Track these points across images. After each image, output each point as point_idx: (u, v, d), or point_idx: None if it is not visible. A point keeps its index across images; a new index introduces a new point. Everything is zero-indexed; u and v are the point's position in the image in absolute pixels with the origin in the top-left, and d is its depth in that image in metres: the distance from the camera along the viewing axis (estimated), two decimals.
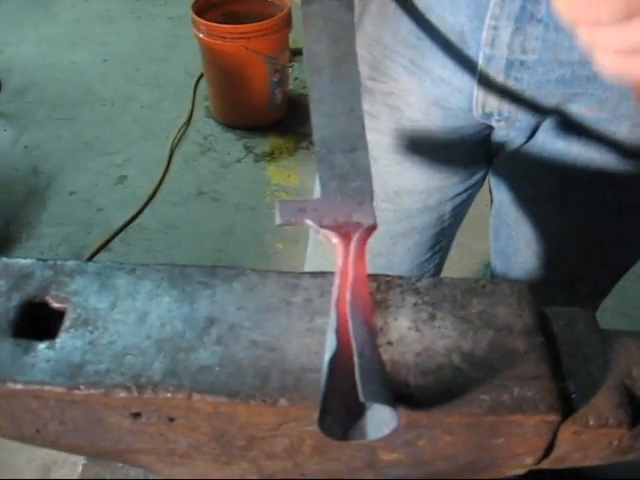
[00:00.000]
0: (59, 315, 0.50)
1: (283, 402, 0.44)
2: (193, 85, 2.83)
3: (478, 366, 0.47)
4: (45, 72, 2.92)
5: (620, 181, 0.79)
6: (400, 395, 0.45)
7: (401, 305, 0.51)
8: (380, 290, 0.52)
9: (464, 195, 0.93)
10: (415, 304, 0.51)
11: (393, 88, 0.80)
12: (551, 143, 0.78)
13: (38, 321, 0.50)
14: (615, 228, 0.85)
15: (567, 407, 0.47)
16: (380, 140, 0.83)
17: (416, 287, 0.53)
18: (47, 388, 0.45)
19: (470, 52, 0.71)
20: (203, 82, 2.76)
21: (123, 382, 0.45)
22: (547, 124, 0.77)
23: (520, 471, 0.51)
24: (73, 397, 0.45)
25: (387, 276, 0.53)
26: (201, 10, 2.42)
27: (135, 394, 0.45)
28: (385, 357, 0.47)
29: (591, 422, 0.48)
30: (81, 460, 0.73)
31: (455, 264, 2.31)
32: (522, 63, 0.69)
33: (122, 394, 0.45)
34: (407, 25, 0.75)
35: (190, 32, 2.45)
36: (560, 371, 0.49)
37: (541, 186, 0.86)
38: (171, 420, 0.47)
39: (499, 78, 0.71)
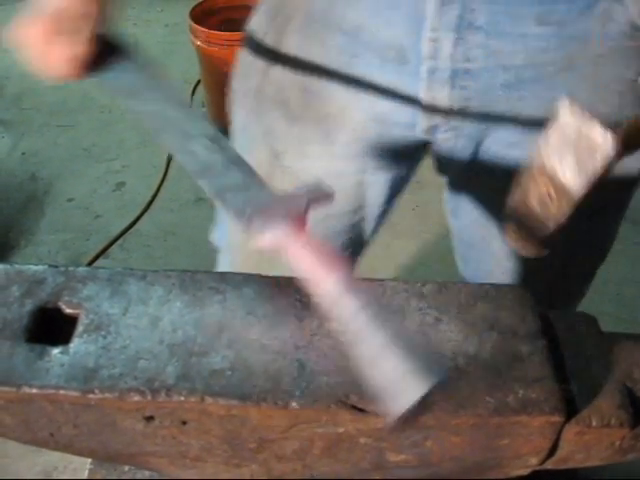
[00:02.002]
0: (72, 320, 0.51)
1: (294, 405, 0.45)
2: (190, 92, 2.83)
3: (483, 369, 0.48)
4: (42, 79, 2.92)
5: None
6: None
7: (407, 310, 0.52)
8: (386, 295, 0.53)
9: (387, 207, 0.91)
10: (420, 309, 0.53)
11: (327, 110, 0.77)
12: (505, 152, 0.77)
13: (51, 326, 0.51)
14: (586, 233, 0.85)
15: (570, 408, 0.48)
16: (311, 165, 0.81)
17: (421, 292, 0.54)
18: (62, 392, 0.46)
19: (411, 66, 0.69)
20: (200, 89, 2.76)
21: (137, 386, 0.46)
22: (499, 133, 0.76)
23: (524, 471, 0.53)
24: (87, 401, 0.46)
25: (393, 281, 0.54)
26: (199, 17, 2.42)
27: (149, 398, 0.46)
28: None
29: (594, 423, 0.49)
30: (83, 466, 0.73)
31: (453, 270, 2.32)
32: (467, 72, 0.68)
33: (136, 398, 0.46)
34: (338, 44, 0.72)
35: (187, 39, 2.46)
36: (563, 373, 0.50)
37: (503, 198, 0.84)
38: (184, 423, 0.48)
39: (444, 89, 0.70)
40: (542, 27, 0.64)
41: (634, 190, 0.86)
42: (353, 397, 0.46)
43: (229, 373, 0.47)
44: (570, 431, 0.49)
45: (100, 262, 2.08)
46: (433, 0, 0.63)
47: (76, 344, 0.49)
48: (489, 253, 0.91)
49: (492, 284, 0.55)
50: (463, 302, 0.53)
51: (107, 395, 0.46)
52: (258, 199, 0.53)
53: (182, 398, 0.46)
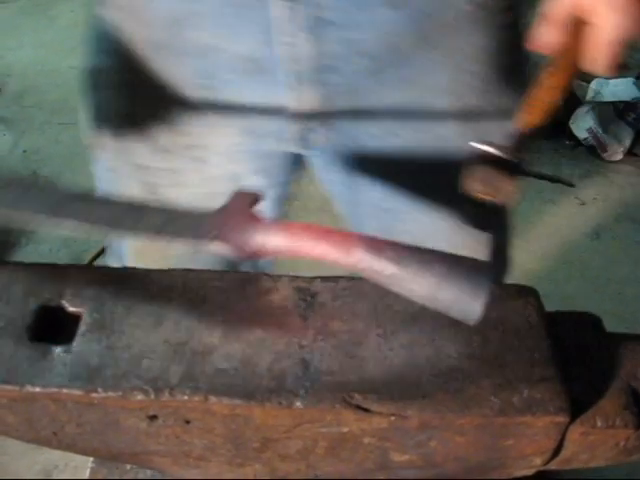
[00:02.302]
0: (75, 319, 0.51)
1: (298, 404, 0.45)
2: None
3: (488, 368, 0.48)
4: (44, 77, 2.92)
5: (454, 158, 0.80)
6: (413, 398, 0.46)
7: (412, 309, 0.52)
8: (389, 293, 0.53)
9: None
10: (425, 308, 0.52)
11: (194, 136, 0.76)
12: (382, 143, 0.76)
13: (54, 325, 0.50)
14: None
15: (575, 409, 0.48)
16: (189, 192, 0.80)
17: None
18: (65, 391, 0.46)
19: (271, 75, 0.68)
20: None
21: (140, 385, 0.46)
22: (372, 125, 0.75)
23: (528, 472, 0.52)
24: (91, 400, 0.46)
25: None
26: None
27: (152, 397, 0.46)
28: (398, 360, 0.48)
29: (599, 423, 0.49)
30: (84, 464, 0.73)
31: None
32: (328, 68, 0.67)
33: (139, 397, 0.46)
34: (190, 68, 0.70)
35: None
36: (568, 373, 0.50)
37: (397, 188, 0.83)
38: (187, 422, 0.47)
39: (310, 90, 0.69)
40: (391, 9, 0.64)
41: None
42: (357, 397, 0.46)
43: (233, 372, 0.47)
44: (575, 431, 0.49)
45: (102, 260, 2.08)
46: (279, 5, 0.61)
47: (79, 343, 0.49)
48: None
49: (497, 283, 0.55)
50: None
51: (110, 394, 0.46)
52: (202, 219, 0.51)
53: (186, 397, 0.46)
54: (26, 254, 2.12)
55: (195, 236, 0.49)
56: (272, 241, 0.48)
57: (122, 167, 0.80)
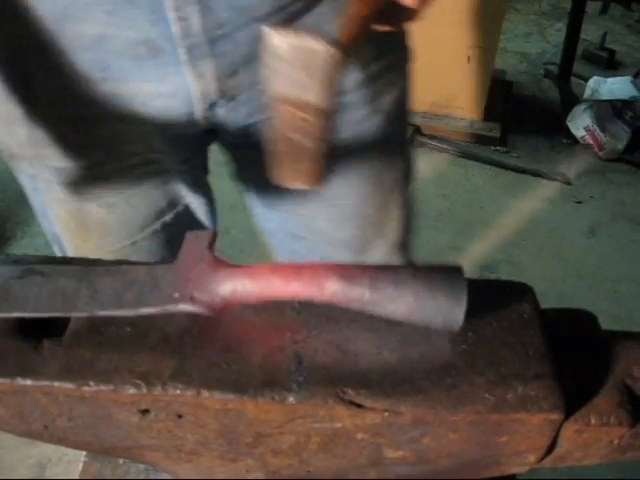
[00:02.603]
0: None
1: (291, 399, 0.45)
2: None
3: (482, 365, 0.48)
4: None
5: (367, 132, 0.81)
6: (407, 394, 0.46)
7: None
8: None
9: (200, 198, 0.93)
10: None
11: (103, 133, 0.75)
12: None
13: (46, 318, 0.50)
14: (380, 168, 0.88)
15: (569, 406, 0.48)
16: (105, 188, 0.81)
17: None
18: (57, 384, 0.46)
19: (168, 55, 0.67)
20: None
21: (132, 379, 0.46)
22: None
23: (522, 469, 0.52)
24: (82, 393, 0.46)
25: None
26: None
27: (144, 391, 0.45)
28: (392, 356, 0.48)
29: (593, 421, 0.48)
30: (77, 458, 0.73)
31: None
32: (223, 38, 0.67)
33: (131, 391, 0.45)
34: (84, 62, 0.68)
35: None
36: (562, 370, 0.50)
37: None
38: (179, 417, 0.47)
39: (208, 63, 0.68)
40: None
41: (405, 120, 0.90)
42: (351, 392, 0.46)
43: (225, 366, 0.47)
44: (569, 429, 0.48)
45: None
46: None
47: (71, 336, 0.48)
48: (316, 231, 0.92)
49: (493, 280, 0.55)
50: None
51: (102, 388, 0.45)
52: (162, 277, 0.49)
53: (178, 391, 0.45)
54: (22, 247, 2.12)
55: (159, 302, 0.47)
56: (240, 289, 0.47)
57: (41, 173, 0.80)
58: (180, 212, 0.90)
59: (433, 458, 0.50)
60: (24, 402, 0.48)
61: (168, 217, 0.89)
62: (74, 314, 0.48)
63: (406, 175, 0.96)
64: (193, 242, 0.50)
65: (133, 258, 0.90)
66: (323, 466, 0.51)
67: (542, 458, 0.51)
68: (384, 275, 0.46)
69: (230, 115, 0.76)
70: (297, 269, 0.47)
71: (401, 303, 0.46)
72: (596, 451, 0.51)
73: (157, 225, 0.89)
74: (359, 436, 0.48)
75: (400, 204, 0.96)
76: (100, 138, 0.76)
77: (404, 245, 1.01)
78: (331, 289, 0.46)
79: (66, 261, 0.54)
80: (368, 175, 0.88)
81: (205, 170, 0.93)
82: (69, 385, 0.46)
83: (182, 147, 0.82)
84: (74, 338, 0.48)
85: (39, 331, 0.49)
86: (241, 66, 0.71)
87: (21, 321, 0.49)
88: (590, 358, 0.52)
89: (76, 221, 0.85)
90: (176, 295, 0.47)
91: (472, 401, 0.46)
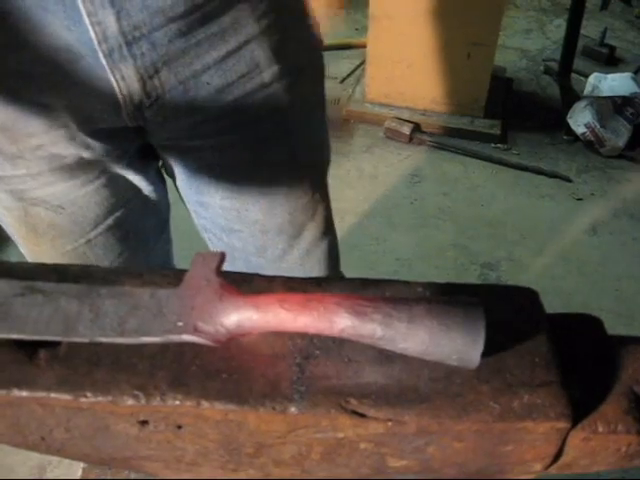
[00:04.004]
0: None
1: (293, 409, 0.44)
2: None
3: (487, 373, 0.47)
4: None
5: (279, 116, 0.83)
6: (410, 403, 0.45)
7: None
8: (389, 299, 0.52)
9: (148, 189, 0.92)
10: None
11: (36, 140, 0.75)
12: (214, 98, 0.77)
13: None
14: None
15: (576, 414, 0.47)
16: (55, 189, 0.81)
17: (424, 294, 0.53)
18: (53, 395, 0.45)
19: (88, 59, 0.67)
20: None
21: (130, 390, 0.45)
22: (199, 90, 0.75)
23: (528, 477, 0.51)
24: (79, 405, 0.45)
25: (393, 282, 0.53)
26: None
27: (143, 402, 0.44)
28: (395, 364, 0.47)
29: (600, 429, 0.48)
30: (77, 462, 0.72)
31: (451, 264, 2.32)
32: (140, 39, 0.67)
33: (129, 402, 0.44)
34: (9, 70, 0.68)
35: None
36: (569, 377, 0.49)
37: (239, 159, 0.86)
38: (179, 428, 0.46)
39: (129, 65, 0.69)
40: None
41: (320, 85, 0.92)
42: (353, 402, 0.45)
43: (225, 376, 0.46)
44: (576, 437, 0.48)
45: None
46: None
47: (68, 346, 0.47)
48: (250, 222, 0.93)
49: (499, 285, 0.54)
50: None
51: (100, 399, 0.45)
52: (166, 303, 0.47)
53: (177, 402, 0.44)
54: (19, 253, 2.10)
55: (162, 331, 0.46)
56: (247, 321, 0.45)
57: None
58: (131, 206, 0.91)
59: (438, 467, 0.49)
60: (20, 413, 0.47)
61: (119, 212, 0.89)
62: (74, 339, 0.47)
63: (327, 158, 1.00)
64: (200, 264, 0.48)
65: (90, 256, 0.91)
66: (325, 476, 0.50)
67: (548, 466, 0.50)
68: (397, 311, 0.44)
69: (157, 116, 0.77)
70: (306, 300, 0.45)
71: (415, 341, 0.44)
72: (603, 459, 0.50)
73: (110, 221, 0.89)
74: (362, 446, 0.47)
75: (324, 184, 0.99)
76: (35, 148, 0.76)
77: (332, 226, 1.04)
78: (341, 325, 0.44)
79: (59, 271, 0.53)
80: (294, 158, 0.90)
81: (155, 160, 0.92)
82: (66, 396, 0.45)
83: (116, 144, 0.82)
84: (70, 348, 0.47)
85: (35, 341, 0.48)
86: (162, 66, 0.71)
87: None
88: (597, 364, 0.51)
89: (26, 226, 0.86)
90: (180, 324, 0.46)
91: (477, 410, 0.45)
